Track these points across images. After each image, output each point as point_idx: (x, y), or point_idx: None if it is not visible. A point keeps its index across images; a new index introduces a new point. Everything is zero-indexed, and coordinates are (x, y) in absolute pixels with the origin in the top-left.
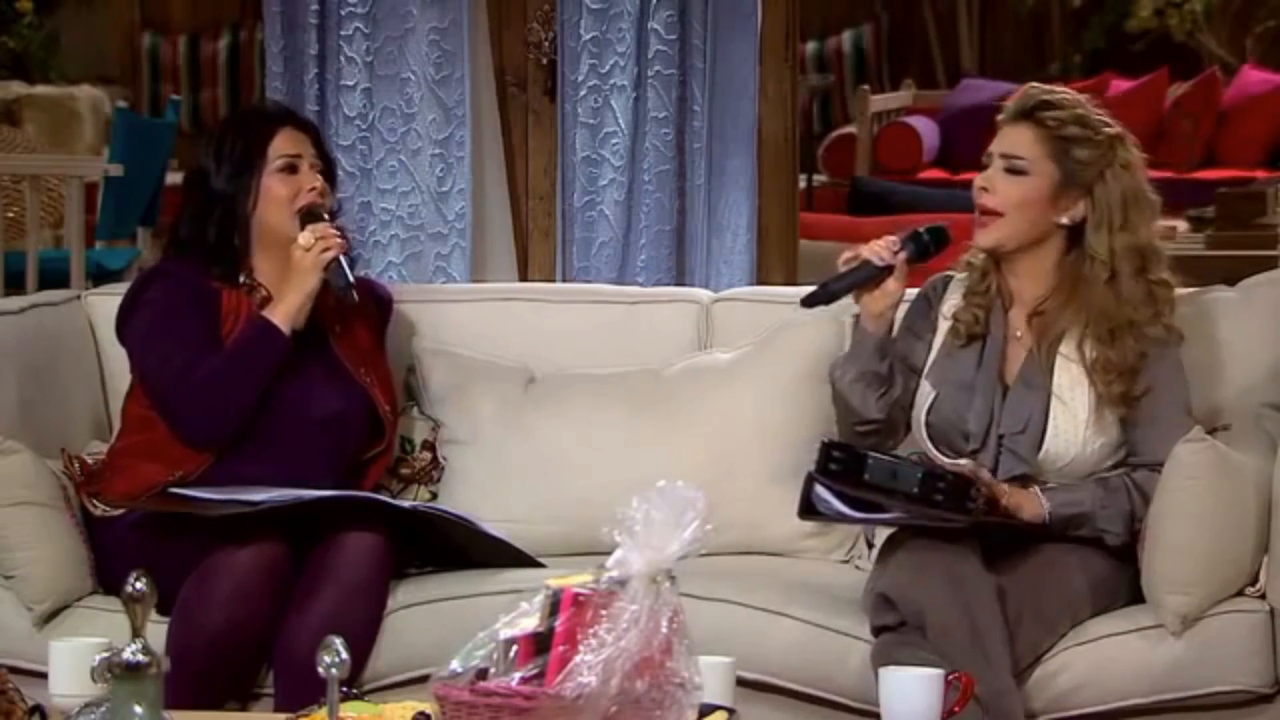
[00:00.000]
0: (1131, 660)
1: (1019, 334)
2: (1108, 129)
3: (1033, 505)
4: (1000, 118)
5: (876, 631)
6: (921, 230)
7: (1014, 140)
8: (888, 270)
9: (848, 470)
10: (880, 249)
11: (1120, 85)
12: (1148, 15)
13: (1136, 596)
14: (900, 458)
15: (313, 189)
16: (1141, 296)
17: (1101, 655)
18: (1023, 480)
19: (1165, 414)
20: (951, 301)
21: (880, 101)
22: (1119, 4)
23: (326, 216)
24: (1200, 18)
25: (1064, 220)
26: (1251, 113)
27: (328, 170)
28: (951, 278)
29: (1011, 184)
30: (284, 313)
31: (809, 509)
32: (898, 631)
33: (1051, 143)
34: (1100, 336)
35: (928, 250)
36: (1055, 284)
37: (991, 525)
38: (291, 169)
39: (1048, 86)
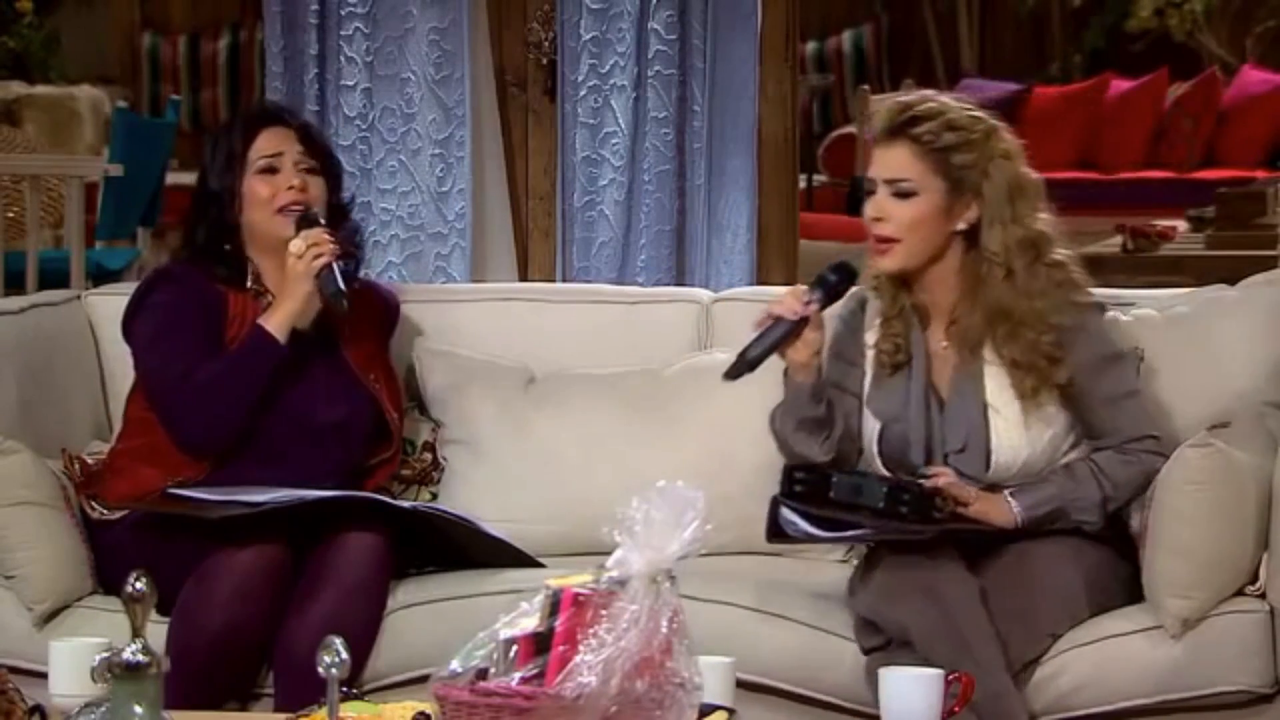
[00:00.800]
0: (1133, 661)
1: (944, 345)
2: (981, 125)
3: (1002, 511)
4: (871, 138)
5: (866, 651)
6: (827, 272)
7: (894, 163)
8: (803, 321)
9: (813, 491)
10: (791, 303)
11: (1120, 85)
12: (1148, 15)
13: (1135, 589)
14: (864, 473)
15: (291, 188)
16: (1040, 286)
17: (1103, 656)
18: (988, 486)
19: (1108, 390)
20: (872, 329)
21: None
22: (1119, 4)
23: (323, 220)
24: (1200, 18)
25: (961, 226)
26: (1251, 113)
27: (325, 167)
28: (867, 297)
29: (903, 208)
30: (278, 321)
31: (777, 532)
32: (886, 650)
33: (931, 156)
34: (1007, 334)
35: (837, 291)
36: (963, 289)
37: (966, 532)
38: (272, 169)
39: (909, 98)
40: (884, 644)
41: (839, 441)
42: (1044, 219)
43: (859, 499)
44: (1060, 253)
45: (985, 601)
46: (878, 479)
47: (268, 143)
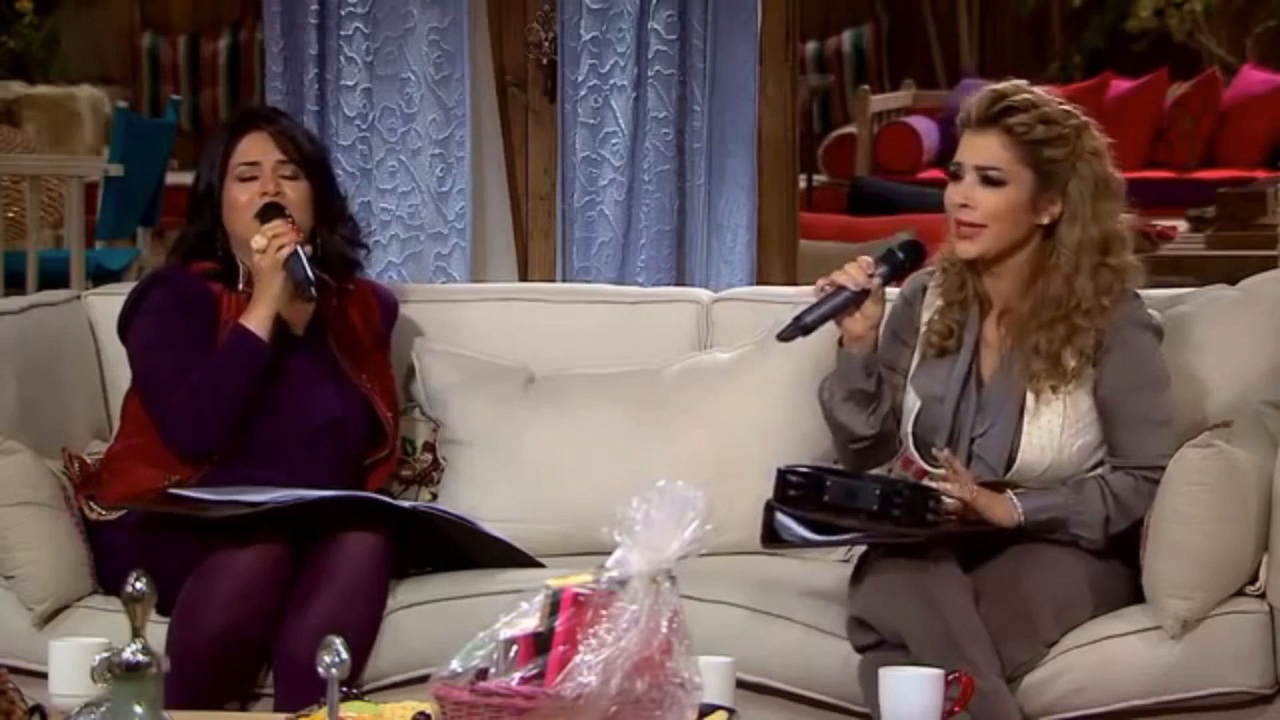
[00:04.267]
0: (1132, 662)
1: (1001, 334)
2: (1072, 120)
3: (1005, 509)
4: (962, 122)
5: (859, 650)
6: (895, 248)
7: (984, 150)
8: (864, 294)
9: (807, 494)
10: (855, 274)
11: (1120, 85)
12: (1148, 15)
13: (1136, 592)
14: (860, 475)
15: (265, 194)
16: (1096, 288)
17: (1102, 657)
18: (996, 486)
19: (1137, 414)
20: (930, 310)
21: (880, 101)
22: (1119, 4)
23: (288, 212)
24: (1200, 18)
25: (1044, 220)
26: (1251, 113)
27: (308, 171)
28: (928, 282)
29: (991, 195)
30: (258, 318)
31: (772, 537)
32: (879, 650)
33: (1022, 148)
34: (1048, 321)
35: (903, 268)
36: (1026, 281)
37: (964, 534)
38: (250, 176)
39: (1004, 87)
40: (876, 643)
41: (884, 419)
42: (1120, 220)
43: (853, 502)
44: (1125, 258)
45: (980, 606)
46: (873, 480)
47: (247, 149)
